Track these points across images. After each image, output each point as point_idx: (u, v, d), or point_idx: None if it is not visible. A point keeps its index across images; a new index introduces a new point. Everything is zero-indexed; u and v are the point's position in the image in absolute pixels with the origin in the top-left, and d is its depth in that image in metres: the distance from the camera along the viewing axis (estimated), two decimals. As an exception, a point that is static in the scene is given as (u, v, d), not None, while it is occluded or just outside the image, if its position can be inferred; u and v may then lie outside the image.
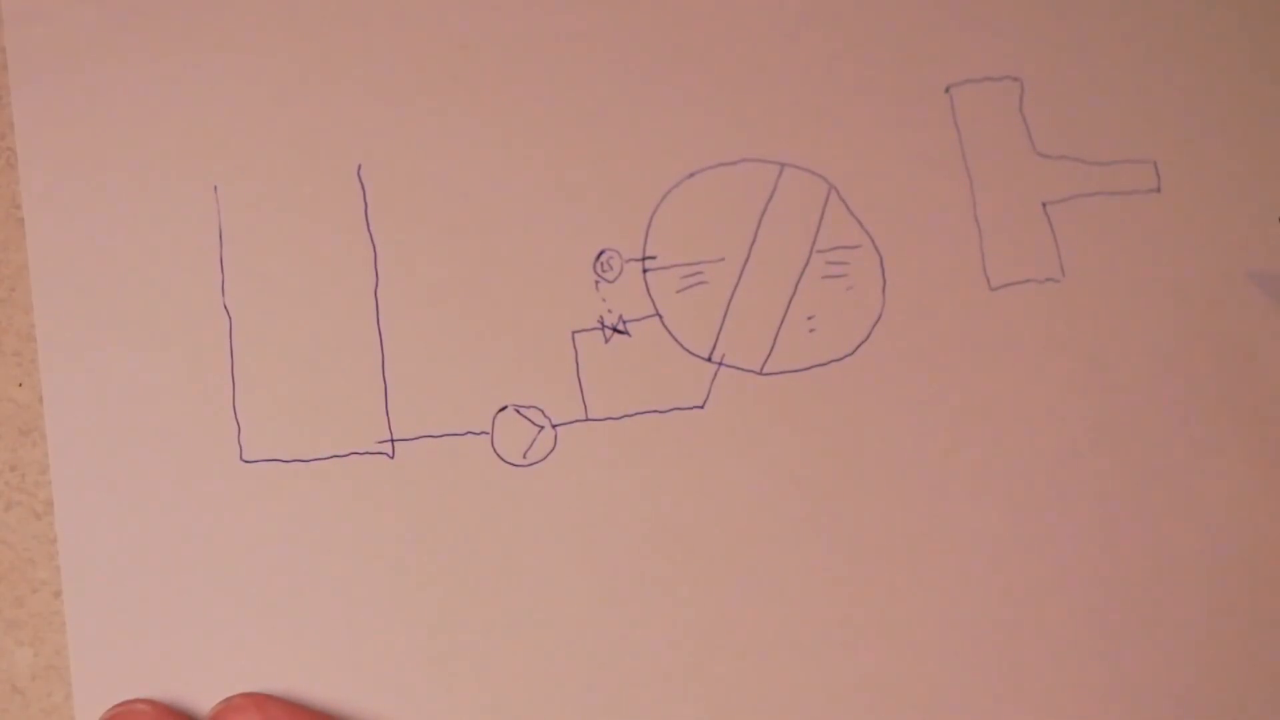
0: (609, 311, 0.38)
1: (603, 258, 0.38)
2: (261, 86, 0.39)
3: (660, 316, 0.38)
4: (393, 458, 0.37)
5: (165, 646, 0.36)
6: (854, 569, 0.37)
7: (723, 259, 0.39)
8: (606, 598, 0.37)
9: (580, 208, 0.39)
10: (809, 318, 0.38)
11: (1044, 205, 0.40)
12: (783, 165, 0.39)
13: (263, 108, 0.39)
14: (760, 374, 0.38)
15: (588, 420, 0.38)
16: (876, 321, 0.38)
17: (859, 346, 0.38)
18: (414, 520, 0.37)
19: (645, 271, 0.38)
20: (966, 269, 0.39)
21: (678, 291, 0.38)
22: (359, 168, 0.39)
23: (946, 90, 0.39)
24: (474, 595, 0.37)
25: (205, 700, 0.36)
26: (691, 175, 0.39)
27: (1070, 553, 0.37)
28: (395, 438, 0.37)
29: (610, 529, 0.37)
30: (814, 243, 0.39)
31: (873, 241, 0.39)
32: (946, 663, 0.37)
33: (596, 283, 0.38)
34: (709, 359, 0.38)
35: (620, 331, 0.38)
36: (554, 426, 0.37)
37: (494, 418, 0.37)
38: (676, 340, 0.38)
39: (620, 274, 0.38)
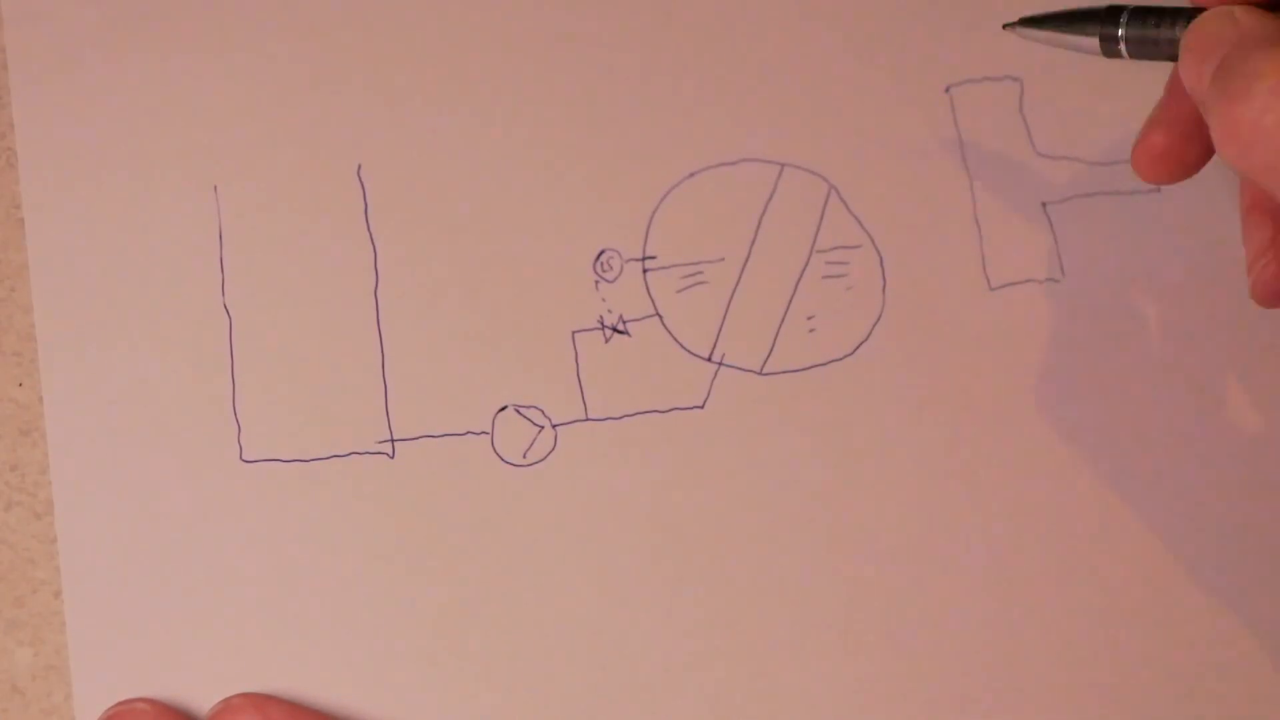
0: (609, 311, 0.38)
1: (603, 258, 0.38)
2: (261, 86, 0.39)
3: (660, 316, 0.38)
4: (393, 458, 0.37)
5: (165, 646, 0.36)
6: (854, 568, 0.37)
7: (723, 259, 0.39)
8: (607, 597, 0.37)
9: (580, 208, 0.39)
10: (809, 318, 0.38)
11: (1044, 205, 0.40)
12: (783, 165, 0.39)
13: (263, 108, 0.39)
14: (760, 374, 0.38)
15: (588, 420, 0.38)
16: (876, 321, 0.38)
17: (859, 346, 0.38)
18: (414, 520, 0.37)
19: (645, 271, 0.38)
20: (966, 269, 0.39)
21: (678, 291, 0.38)
22: (359, 168, 0.39)
23: (946, 90, 0.39)
24: (474, 595, 0.37)
25: (205, 700, 0.36)
26: (691, 175, 0.39)
27: (1070, 553, 0.37)
28: (395, 438, 0.37)
29: (610, 529, 0.37)
30: (814, 243, 0.39)
31: (873, 241, 0.39)
32: (946, 662, 0.37)
33: (596, 283, 0.38)
34: (709, 359, 0.38)
35: (620, 331, 0.38)
36: (554, 426, 0.37)
37: (494, 418, 0.37)
38: (676, 340, 0.38)
39: (620, 274, 0.38)
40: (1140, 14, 0.34)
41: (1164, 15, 0.34)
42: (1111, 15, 0.35)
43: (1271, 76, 0.29)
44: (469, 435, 0.37)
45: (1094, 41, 0.35)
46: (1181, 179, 0.36)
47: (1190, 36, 0.33)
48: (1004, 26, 0.37)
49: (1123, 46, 0.35)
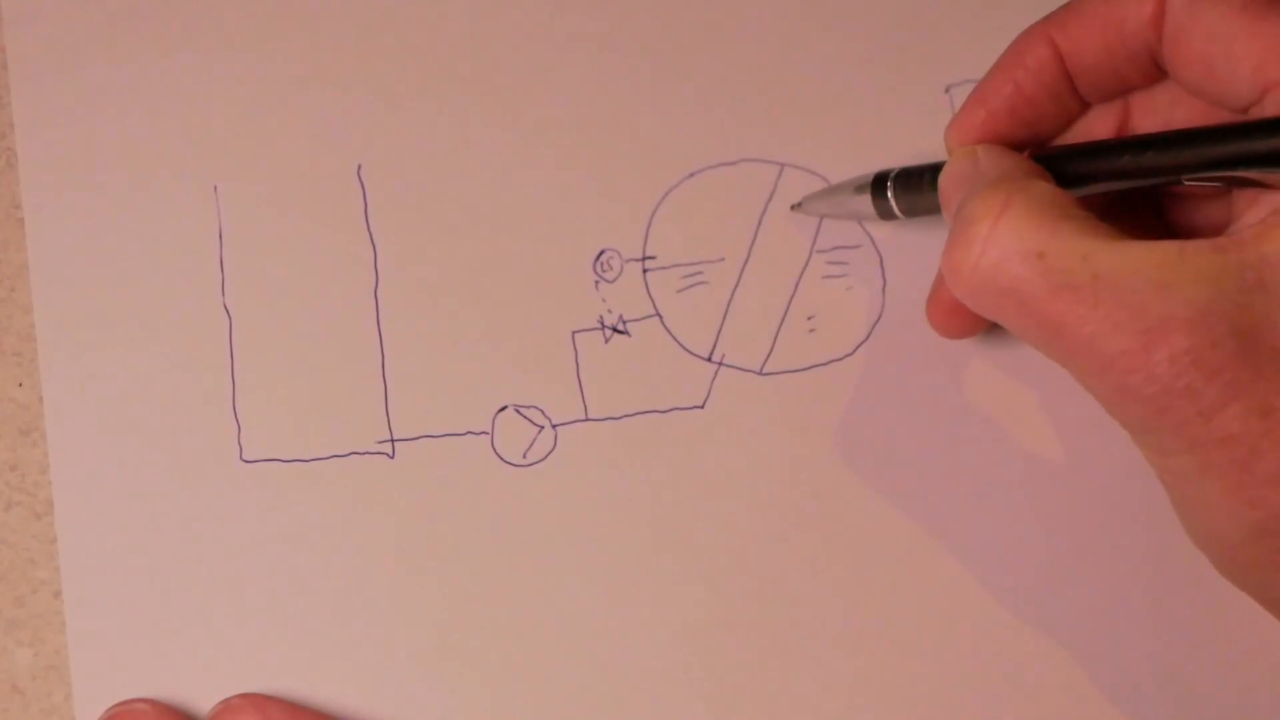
0: (609, 311, 0.38)
1: (603, 258, 0.38)
2: (261, 86, 0.39)
3: (660, 316, 0.38)
4: (393, 458, 0.37)
5: (165, 646, 0.36)
6: (853, 569, 0.37)
7: (723, 259, 0.39)
8: (606, 598, 0.37)
9: (580, 208, 0.39)
10: (809, 318, 0.38)
11: (1044, 205, 0.40)
12: (783, 165, 0.39)
13: (263, 108, 0.39)
14: (760, 374, 0.38)
15: (588, 420, 0.38)
16: (876, 321, 0.38)
17: (859, 346, 0.38)
18: (414, 520, 0.37)
19: (645, 271, 0.38)
20: (966, 269, 0.39)
21: (678, 291, 0.38)
22: (359, 168, 0.39)
23: (946, 90, 0.39)
24: (474, 595, 0.37)
25: (205, 700, 0.36)
26: (691, 175, 0.39)
27: (1070, 552, 0.37)
28: (395, 438, 0.37)
29: (610, 529, 0.37)
30: (814, 243, 0.39)
31: (873, 241, 0.39)
32: (946, 662, 0.37)
33: (596, 283, 0.38)
34: (709, 359, 0.38)
35: (620, 331, 0.38)
36: (554, 426, 0.37)
37: (494, 418, 0.37)
38: (676, 340, 0.38)
39: (620, 274, 0.38)
40: (904, 176, 0.36)
41: (926, 172, 0.35)
42: (880, 183, 0.36)
43: (986, 220, 0.30)
44: (469, 435, 0.37)
45: (872, 209, 0.36)
46: (977, 333, 0.37)
47: (941, 182, 0.34)
48: (791, 208, 0.38)
49: (895, 209, 0.36)
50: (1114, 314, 0.28)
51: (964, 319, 0.36)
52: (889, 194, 0.36)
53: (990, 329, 0.37)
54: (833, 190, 0.38)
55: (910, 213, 0.36)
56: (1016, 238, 0.29)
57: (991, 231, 0.29)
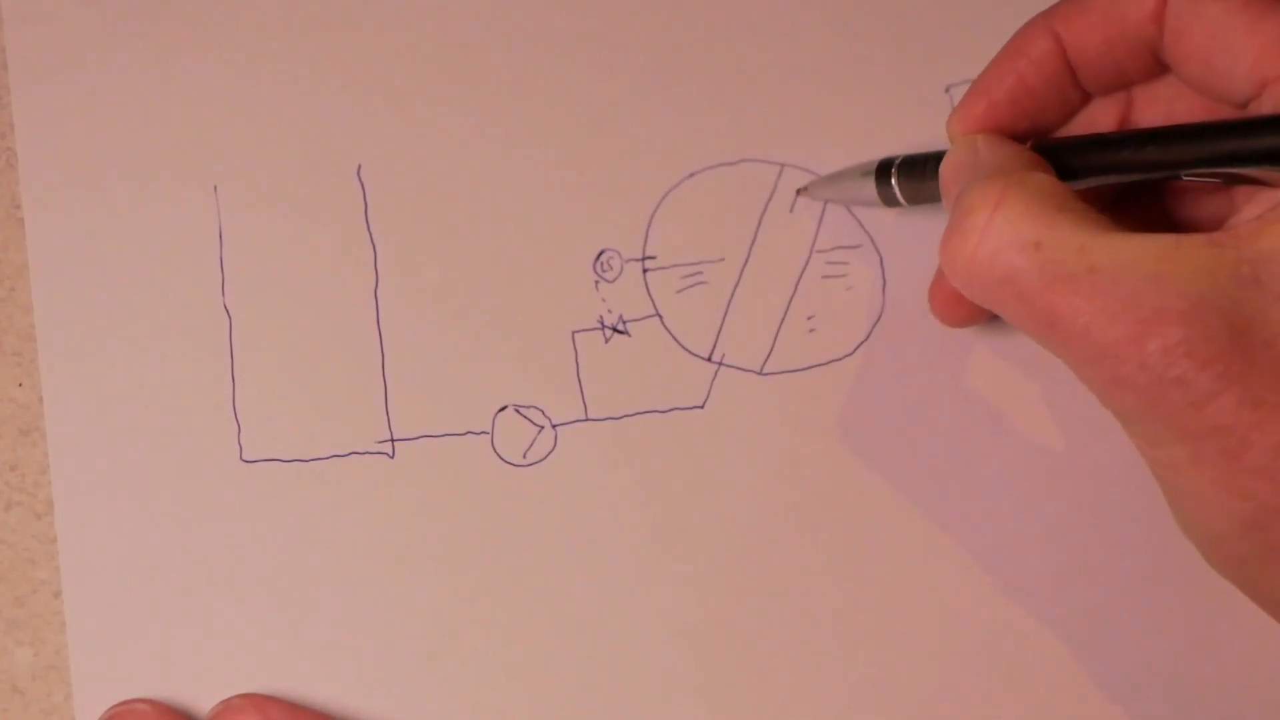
0: (609, 311, 0.38)
1: (603, 258, 0.38)
2: (261, 86, 0.39)
3: (660, 316, 0.38)
4: (393, 458, 0.37)
5: (165, 646, 0.36)
6: (853, 568, 0.37)
7: (723, 259, 0.39)
8: (606, 598, 0.37)
9: (580, 208, 0.39)
10: (809, 318, 0.38)
11: (1044, 205, 0.40)
12: (783, 165, 0.39)
13: (263, 108, 0.39)
14: (760, 374, 0.38)
15: (588, 420, 0.38)
16: (876, 321, 0.38)
17: (859, 346, 0.38)
18: (414, 520, 0.37)
19: (645, 271, 0.38)
20: (966, 269, 0.39)
21: (678, 291, 0.38)
22: (359, 168, 0.39)
23: (946, 90, 0.39)
24: (474, 595, 0.37)
25: (205, 700, 0.36)
26: (691, 175, 0.39)
27: (1070, 552, 0.37)
28: (395, 438, 0.37)
29: (610, 529, 0.37)
30: (814, 243, 0.39)
31: (873, 241, 0.39)
32: (946, 662, 0.37)
33: (596, 283, 0.38)
34: (709, 359, 0.38)
35: (620, 331, 0.38)
36: (554, 426, 0.37)
37: (494, 418, 0.37)
38: (676, 340, 0.38)
39: (620, 274, 0.38)
40: (908, 163, 0.36)
41: (930, 160, 0.35)
42: (884, 169, 0.36)
43: (984, 210, 0.30)
44: (469, 435, 0.37)
45: (876, 195, 0.36)
46: (978, 322, 0.37)
47: (942, 171, 0.34)
48: (797, 192, 0.38)
49: (899, 196, 0.36)
50: (1109, 305, 0.28)
51: (965, 307, 0.36)
52: (893, 180, 0.36)
53: (992, 318, 0.37)
54: (838, 176, 0.38)
55: (913, 200, 0.36)
56: (1013, 228, 0.29)
57: (988, 222, 0.30)
